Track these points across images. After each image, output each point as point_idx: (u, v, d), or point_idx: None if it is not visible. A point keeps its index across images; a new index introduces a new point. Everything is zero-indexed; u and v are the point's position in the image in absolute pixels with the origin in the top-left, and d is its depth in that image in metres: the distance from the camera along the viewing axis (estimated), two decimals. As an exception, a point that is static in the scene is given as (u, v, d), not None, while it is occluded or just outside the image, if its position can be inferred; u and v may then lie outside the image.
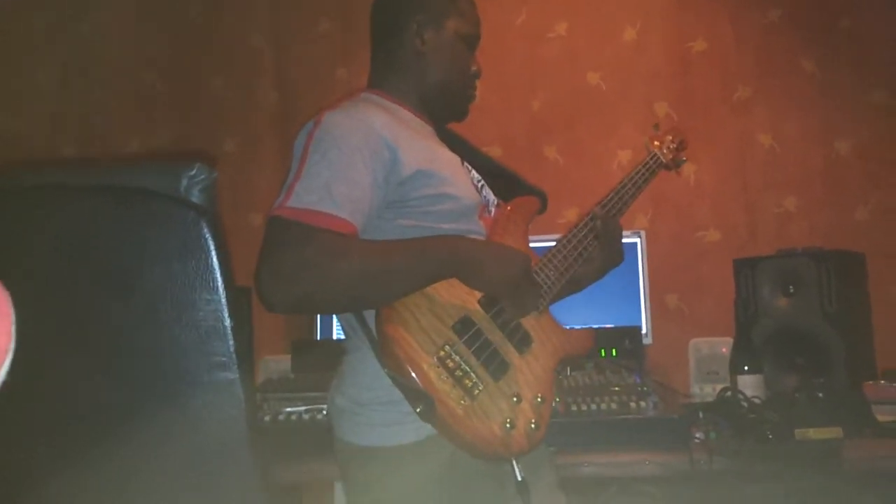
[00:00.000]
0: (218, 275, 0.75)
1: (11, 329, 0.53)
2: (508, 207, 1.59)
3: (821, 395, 1.96)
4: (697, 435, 1.87)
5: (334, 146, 1.30)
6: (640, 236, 2.54)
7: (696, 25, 2.89)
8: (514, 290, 1.38)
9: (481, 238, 1.46)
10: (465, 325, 1.33)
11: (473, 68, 1.59)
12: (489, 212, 1.54)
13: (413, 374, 1.24)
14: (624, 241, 1.69)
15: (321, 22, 3.07)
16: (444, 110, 1.58)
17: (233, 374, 0.75)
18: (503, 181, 1.68)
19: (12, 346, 0.53)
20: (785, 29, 2.84)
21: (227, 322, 0.75)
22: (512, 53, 2.95)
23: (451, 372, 1.27)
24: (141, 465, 0.79)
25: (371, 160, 1.30)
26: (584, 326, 2.38)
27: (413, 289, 1.30)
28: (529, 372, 1.38)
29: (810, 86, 2.82)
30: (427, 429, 1.28)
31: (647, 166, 1.78)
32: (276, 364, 2.55)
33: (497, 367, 1.33)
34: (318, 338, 2.59)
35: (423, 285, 1.31)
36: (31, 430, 0.51)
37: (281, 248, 1.20)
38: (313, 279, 1.19)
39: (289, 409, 1.99)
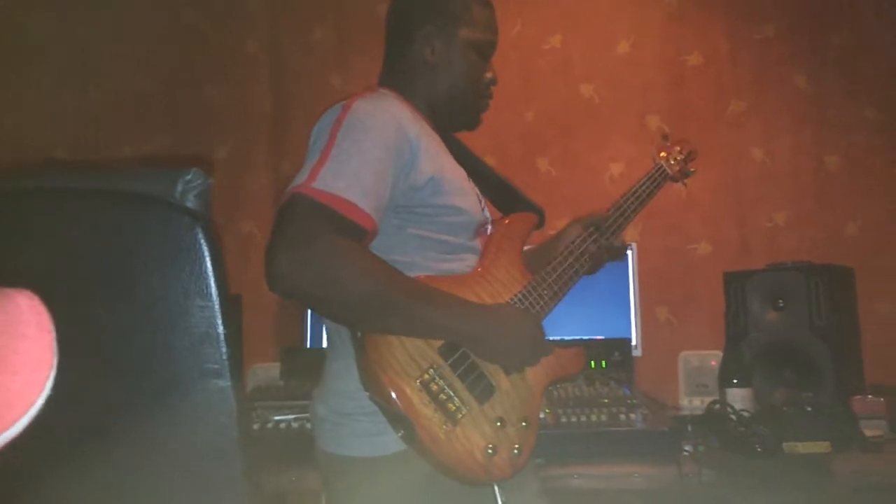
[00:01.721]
0: (212, 281, 0.75)
1: (53, 344, 0.53)
2: (506, 221, 1.54)
3: (809, 408, 1.97)
4: (686, 448, 1.88)
5: (366, 136, 1.26)
6: (631, 249, 2.55)
7: (690, 39, 2.91)
8: (526, 359, 1.36)
9: (486, 300, 1.38)
10: (451, 348, 1.29)
11: (488, 76, 1.55)
12: (485, 229, 1.50)
13: (395, 398, 1.20)
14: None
15: (316, 30, 3.07)
16: (453, 120, 1.55)
17: (225, 382, 0.75)
18: (503, 193, 1.66)
19: (55, 361, 0.53)
20: (779, 44, 2.87)
21: (220, 329, 0.75)
22: (506, 65, 2.94)
23: (434, 396, 1.23)
24: (131, 471, 0.79)
25: (396, 158, 1.28)
26: (573, 338, 2.41)
27: (408, 333, 1.26)
28: (516, 395, 1.35)
29: (802, 100, 2.84)
30: None
31: (652, 178, 1.73)
32: (265, 372, 2.54)
33: (483, 390, 1.30)
34: (308, 346, 2.58)
35: (418, 336, 1.27)
36: (26, 434, 0.51)
37: (307, 232, 1.14)
38: (337, 272, 1.15)
39: (277, 418, 1.98)
